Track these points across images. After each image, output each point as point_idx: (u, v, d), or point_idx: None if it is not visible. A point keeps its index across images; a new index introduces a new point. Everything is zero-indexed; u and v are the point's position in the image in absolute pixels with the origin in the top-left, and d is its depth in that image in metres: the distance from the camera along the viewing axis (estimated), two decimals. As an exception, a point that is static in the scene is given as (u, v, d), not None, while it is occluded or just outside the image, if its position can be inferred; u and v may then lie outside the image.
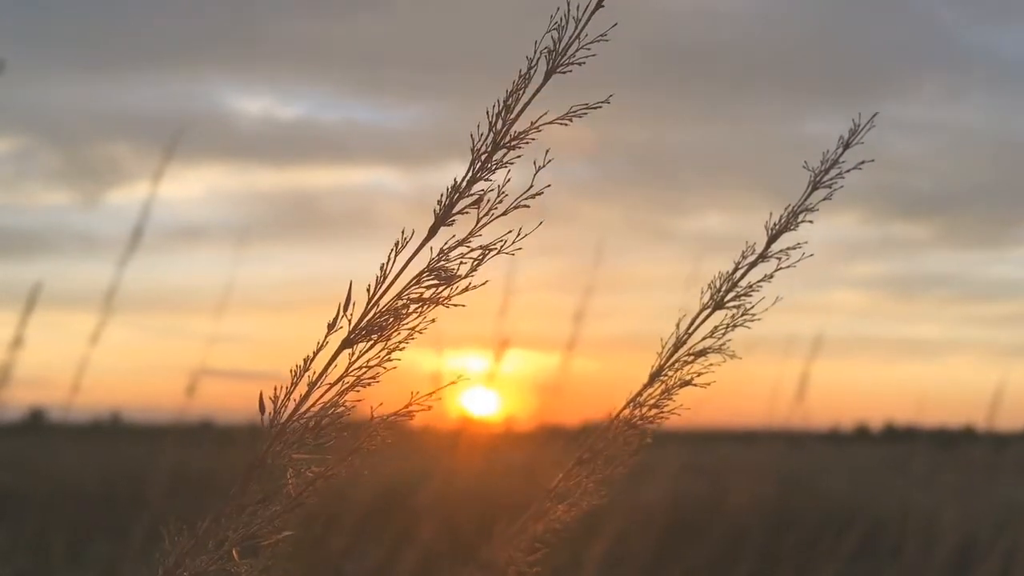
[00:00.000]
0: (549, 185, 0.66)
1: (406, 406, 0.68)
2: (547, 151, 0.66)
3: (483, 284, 0.68)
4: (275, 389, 0.67)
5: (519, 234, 0.67)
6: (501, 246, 0.68)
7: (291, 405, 0.67)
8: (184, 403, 3.96)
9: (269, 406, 0.67)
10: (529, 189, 0.67)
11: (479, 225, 0.67)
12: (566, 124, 0.67)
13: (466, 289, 0.68)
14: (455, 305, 0.68)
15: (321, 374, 0.68)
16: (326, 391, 0.68)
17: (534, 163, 0.67)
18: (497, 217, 0.67)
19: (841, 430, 18.99)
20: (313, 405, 0.67)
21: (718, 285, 0.88)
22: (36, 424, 11.06)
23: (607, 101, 0.66)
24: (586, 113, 0.67)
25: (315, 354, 0.67)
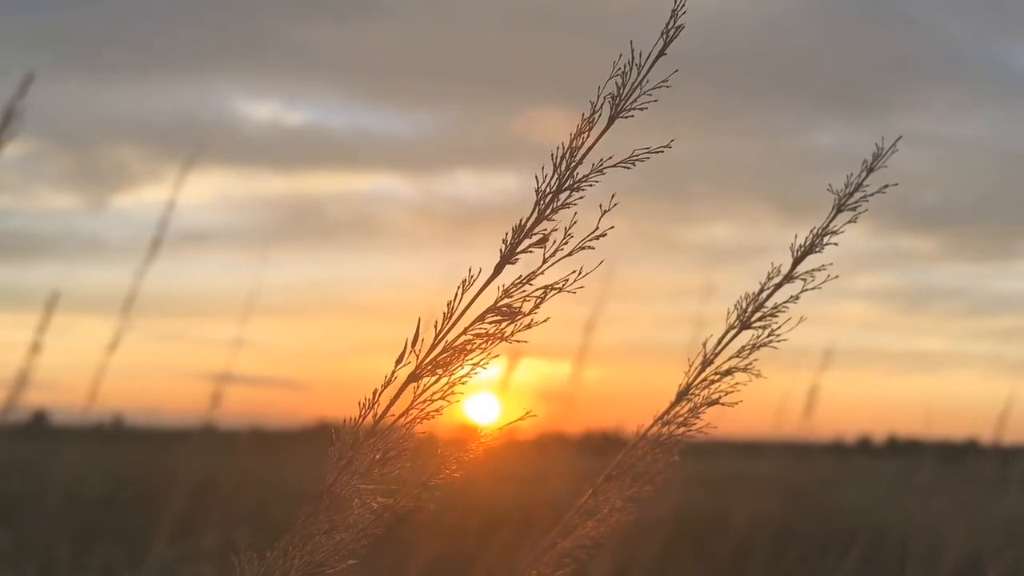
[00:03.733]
0: (613, 227, 0.68)
1: (472, 441, 0.70)
2: (612, 195, 0.68)
3: (544, 321, 0.70)
4: (344, 421, 0.69)
5: (580, 273, 0.69)
6: (563, 285, 0.70)
7: (359, 436, 0.69)
8: (187, 407, 3.98)
9: (338, 436, 0.68)
10: (595, 231, 0.69)
11: (545, 265, 0.69)
12: (629, 168, 0.69)
13: (528, 326, 0.70)
14: (518, 341, 0.70)
15: (388, 407, 0.70)
16: (392, 423, 0.70)
17: (600, 206, 0.69)
18: (562, 258, 0.69)
19: (845, 442, 18.98)
20: (380, 437, 0.69)
21: (744, 306, 0.90)
22: (39, 427, 11.07)
23: (668, 146, 0.68)
24: (648, 157, 0.69)
25: (383, 387, 0.69)
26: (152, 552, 3.82)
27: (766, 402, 5.16)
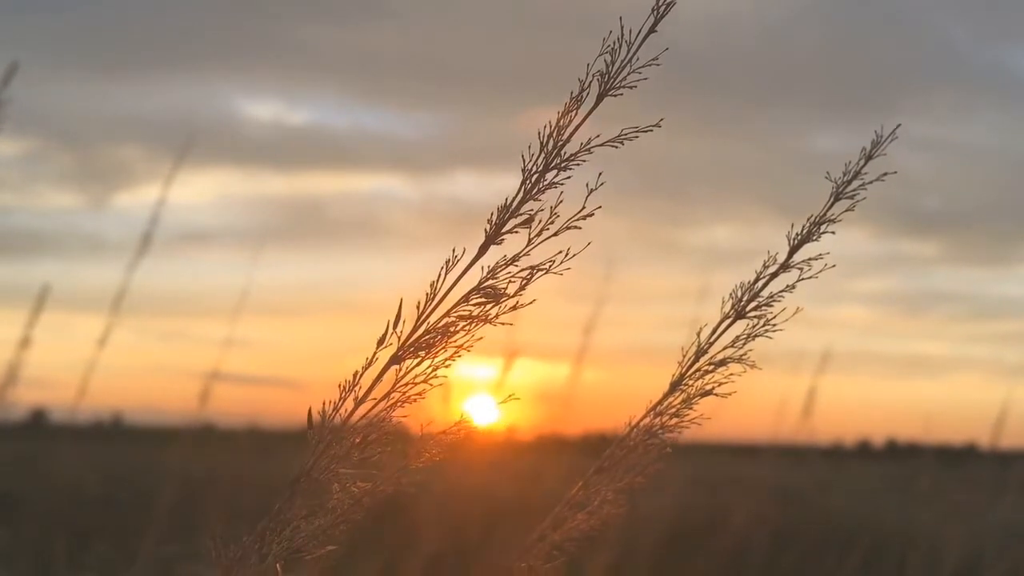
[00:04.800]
0: (600, 207, 0.66)
1: (455, 425, 0.69)
2: (600, 173, 0.67)
3: (531, 303, 0.68)
4: (323, 404, 0.67)
5: (567, 254, 0.67)
6: (550, 266, 0.68)
7: (338, 420, 0.68)
8: (186, 406, 3.97)
9: (317, 420, 0.67)
10: (581, 210, 0.67)
11: (530, 245, 0.68)
12: (617, 147, 0.67)
13: (514, 308, 0.68)
14: (502, 323, 0.69)
15: (369, 390, 0.68)
16: (373, 406, 0.68)
17: (586, 185, 0.67)
18: (548, 238, 0.67)
19: (843, 446, 18.95)
20: (360, 420, 0.68)
21: (739, 295, 0.88)
22: (37, 424, 11.06)
23: (658, 125, 0.67)
24: (637, 136, 0.67)
25: (364, 369, 0.68)
26: (150, 551, 3.81)
27: (765, 405, 5.14)
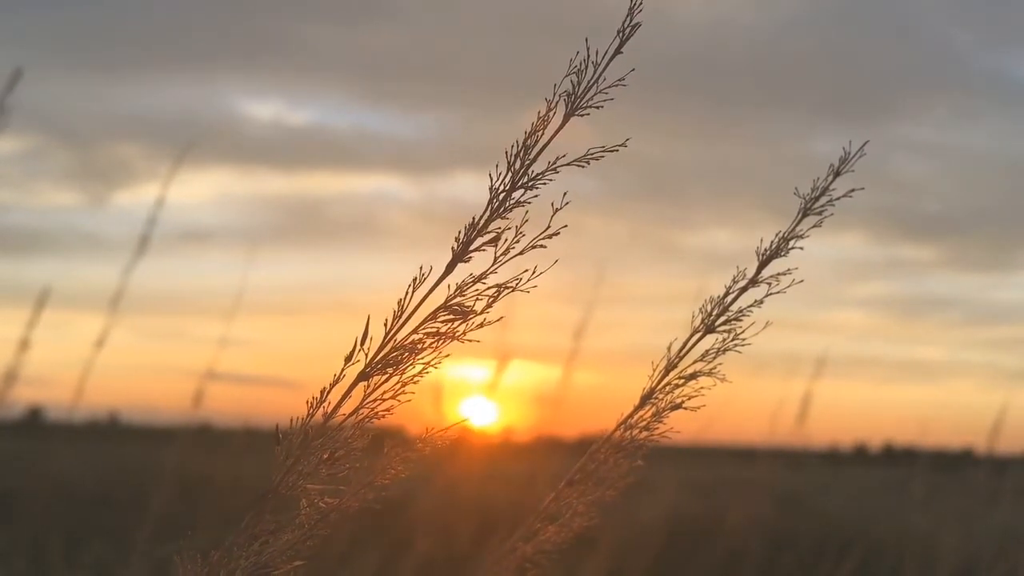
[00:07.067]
0: (566, 226, 0.67)
1: (421, 441, 0.69)
2: (565, 193, 0.67)
3: (498, 320, 0.69)
4: (291, 420, 0.68)
5: (534, 272, 0.68)
6: (516, 284, 0.69)
7: (307, 436, 0.68)
8: (183, 405, 3.97)
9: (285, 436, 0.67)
10: (547, 230, 0.68)
11: (496, 264, 0.68)
12: (583, 166, 0.68)
13: (481, 325, 0.69)
14: (470, 340, 0.69)
15: (336, 406, 0.69)
16: (341, 422, 0.69)
17: (552, 204, 0.68)
18: (514, 257, 0.68)
19: (840, 450, 18.96)
20: (328, 437, 0.68)
21: (709, 309, 0.89)
22: (34, 423, 11.08)
23: (624, 145, 0.67)
24: (603, 156, 0.68)
25: (331, 386, 0.68)
26: (144, 550, 3.81)
27: (762, 408, 5.15)
